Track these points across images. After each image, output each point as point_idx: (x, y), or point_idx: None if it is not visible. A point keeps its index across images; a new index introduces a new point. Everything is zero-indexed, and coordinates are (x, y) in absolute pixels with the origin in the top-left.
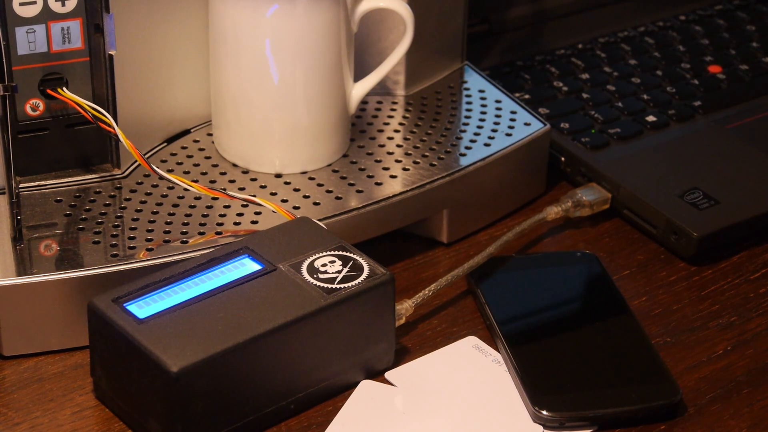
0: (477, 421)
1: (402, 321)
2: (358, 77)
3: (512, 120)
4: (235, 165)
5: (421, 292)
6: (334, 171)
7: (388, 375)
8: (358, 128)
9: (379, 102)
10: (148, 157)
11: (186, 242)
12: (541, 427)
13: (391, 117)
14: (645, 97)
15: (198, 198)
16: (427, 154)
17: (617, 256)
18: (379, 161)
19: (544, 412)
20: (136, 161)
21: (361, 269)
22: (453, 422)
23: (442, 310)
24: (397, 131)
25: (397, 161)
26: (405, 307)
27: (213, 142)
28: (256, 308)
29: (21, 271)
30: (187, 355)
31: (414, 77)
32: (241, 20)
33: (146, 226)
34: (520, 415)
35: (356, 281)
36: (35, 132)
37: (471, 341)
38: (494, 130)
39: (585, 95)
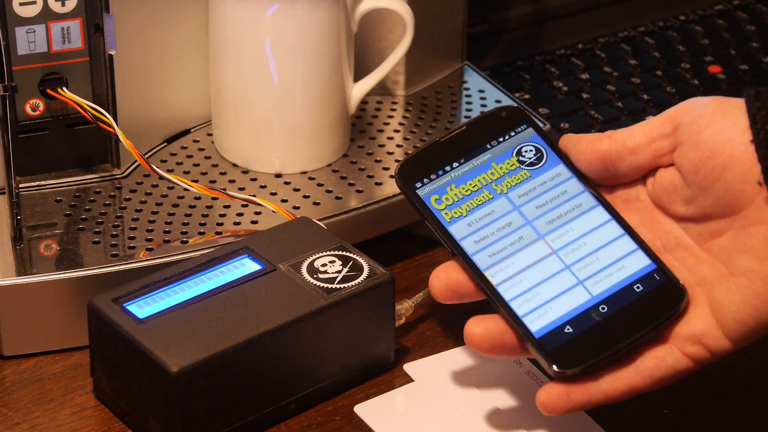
0: (484, 419)
1: (402, 321)
2: (358, 77)
3: None
4: (235, 165)
5: (420, 292)
6: (334, 171)
7: (406, 367)
8: (358, 128)
9: (379, 102)
10: (148, 157)
11: (186, 242)
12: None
13: (391, 117)
14: (645, 97)
15: (198, 198)
16: None
17: None
18: (379, 161)
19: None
20: (136, 161)
21: (361, 269)
22: (461, 418)
23: (442, 310)
24: (397, 131)
25: (397, 161)
26: (405, 307)
27: (213, 142)
28: (256, 308)
29: (21, 271)
30: (187, 355)
31: (414, 77)
32: (241, 20)
33: (146, 226)
34: (531, 417)
35: (356, 281)
36: (35, 132)
37: None
38: None
39: (585, 95)
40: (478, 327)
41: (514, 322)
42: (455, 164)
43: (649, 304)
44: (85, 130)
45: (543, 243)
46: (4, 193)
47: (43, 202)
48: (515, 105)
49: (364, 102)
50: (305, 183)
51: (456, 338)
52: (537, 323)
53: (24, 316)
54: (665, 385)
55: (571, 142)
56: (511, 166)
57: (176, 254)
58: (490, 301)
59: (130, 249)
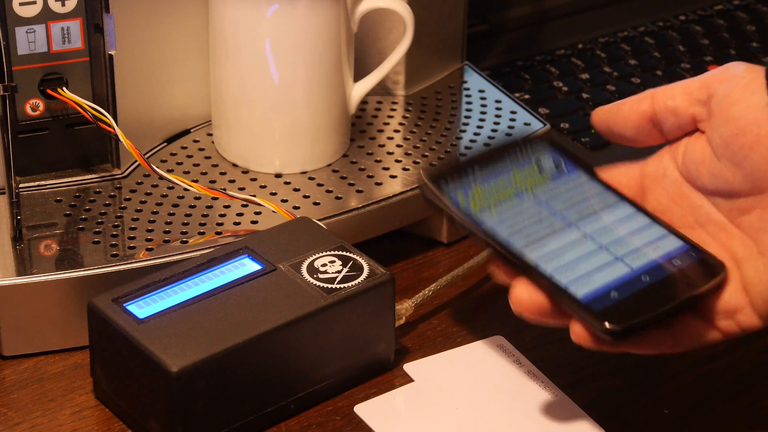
0: (484, 419)
1: (402, 321)
2: (358, 77)
3: (512, 120)
4: (235, 165)
5: (420, 292)
6: (334, 171)
7: (406, 367)
8: (358, 128)
9: (379, 102)
10: (148, 157)
11: (186, 242)
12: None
13: (391, 117)
14: None
15: (198, 198)
16: (427, 154)
17: None
18: (379, 161)
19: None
20: (136, 161)
21: (361, 269)
22: (461, 418)
23: (442, 310)
24: (397, 131)
25: (397, 161)
26: (405, 307)
27: (213, 142)
28: (256, 308)
29: (21, 271)
30: (187, 355)
31: (414, 77)
32: (241, 20)
33: (146, 226)
34: (532, 417)
35: (356, 281)
36: (35, 132)
37: (497, 340)
38: (494, 130)
39: (585, 95)
40: (524, 293)
41: (559, 292)
42: (477, 168)
43: (691, 274)
44: (85, 130)
45: (575, 230)
46: (4, 193)
47: (43, 202)
48: (535, 133)
49: (364, 102)
50: (305, 183)
51: (456, 338)
52: (582, 290)
53: (24, 316)
54: (688, 350)
55: (611, 111)
56: (532, 172)
57: (176, 254)
58: (531, 281)
59: (130, 249)
